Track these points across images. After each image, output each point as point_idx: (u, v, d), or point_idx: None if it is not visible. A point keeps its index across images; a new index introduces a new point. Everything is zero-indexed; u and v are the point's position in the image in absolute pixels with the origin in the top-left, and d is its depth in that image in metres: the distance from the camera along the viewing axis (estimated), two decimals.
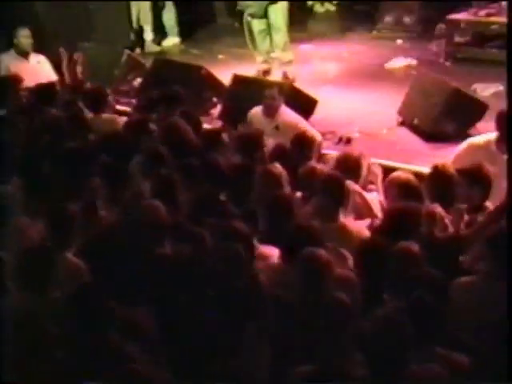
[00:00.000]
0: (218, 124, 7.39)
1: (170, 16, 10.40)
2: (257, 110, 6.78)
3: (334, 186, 4.96)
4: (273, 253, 4.53)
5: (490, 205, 5.01)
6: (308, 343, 3.66)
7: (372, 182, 5.70)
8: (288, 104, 6.91)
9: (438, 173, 5.21)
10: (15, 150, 5.86)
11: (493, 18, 8.87)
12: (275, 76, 8.51)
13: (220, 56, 9.67)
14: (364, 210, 5.24)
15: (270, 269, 4.33)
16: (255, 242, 4.52)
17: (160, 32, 10.44)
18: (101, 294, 3.76)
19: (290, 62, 8.70)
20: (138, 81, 8.49)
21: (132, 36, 10.20)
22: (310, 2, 11.64)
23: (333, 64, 9.16)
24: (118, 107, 7.73)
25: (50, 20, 9.32)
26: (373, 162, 6.06)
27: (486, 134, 5.97)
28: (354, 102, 7.96)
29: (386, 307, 3.71)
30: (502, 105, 6.89)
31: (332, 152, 6.54)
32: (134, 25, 10.22)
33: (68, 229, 4.61)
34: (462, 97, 7.13)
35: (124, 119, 6.84)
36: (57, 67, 8.53)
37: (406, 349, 3.32)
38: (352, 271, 4.26)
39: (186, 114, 6.46)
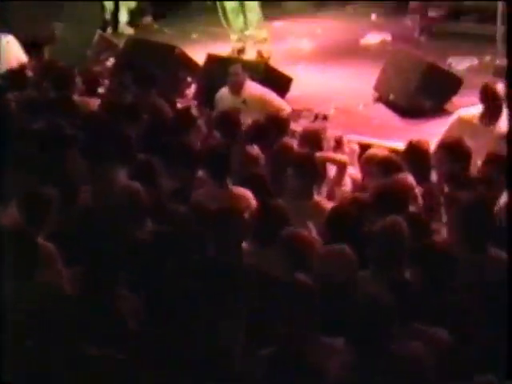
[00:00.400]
0: (193, 104, 7.33)
1: None
2: (223, 90, 6.82)
3: (307, 164, 4.97)
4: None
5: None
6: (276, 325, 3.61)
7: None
8: (263, 82, 6.91)
9: (413, 148, 5.29)
10: None
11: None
12: (250, 54, 8.46)
13: (194, 35, 9.57)
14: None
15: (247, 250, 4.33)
16: None
17: (134, 13, 10.28)
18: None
19: (264, 40, 8.62)
20: (110, 61, 8.39)
21: (107, 16, 10.04)
22: None
23: (307, 41, 9.11)
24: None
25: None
26: (349, 139, 6.07)
27: (471, 107, 5.99)
28: (329, 78, 7.93)
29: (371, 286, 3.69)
30: (477, 78, 6.93)
31: None
32: (109, 5, 10.06)
33: (44, 213, 4.55)
34: (437, 71, 7.14)
35: (95, 101, 6.75)
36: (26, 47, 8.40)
37: (389, 326, 3.29)
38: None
39: (160, 95, 6.41)
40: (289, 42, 9.09)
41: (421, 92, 7.04)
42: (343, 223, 4.22)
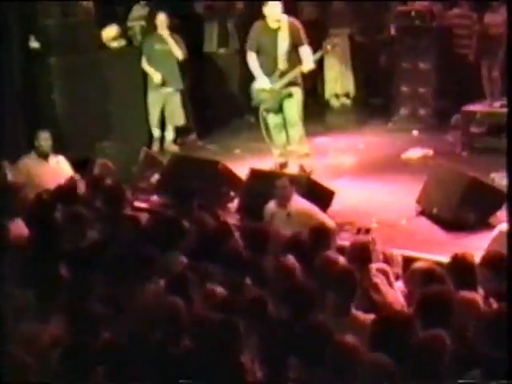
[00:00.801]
0: (236, 218, 7.37)
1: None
2: (272, 202, 6.87)
3: (348, 280, 4.93)
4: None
5: None
6: None
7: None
8: (305, 196, 6.92)
9: (459, 262, 5.21)
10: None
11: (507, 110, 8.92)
12: (292, 169, 8.54)
13: (237, 151, 9.74)
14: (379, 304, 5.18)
15: None
16: None
17: (179, 131, 10.53)
18: None
19: (306, 155, 8.71)
20: (155, 177, 8.53)
21: (156, 133, 10.27)
22: (325, 96, 11.80)
23: (349, 156, 9.20)
24: (137, 204, 7.76)
25: (69, 121, 9.48)
26: (393, 252, 6.01)
27: None
28: (371, 192, 7.94)
29: None
30: None
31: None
32: (156, 123, 10.30)
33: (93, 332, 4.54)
34: (480, 186, 7.11)
35: (143, 216, 6.82)
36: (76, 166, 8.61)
37: None
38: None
39: (203, 208, 6.46)
40: (331, 157, 9.19)
41: (464, 206, 6.99)
42: (387, 335, 4.13)
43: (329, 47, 8.75)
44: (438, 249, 6.47)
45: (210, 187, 7.59)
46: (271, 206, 6.87)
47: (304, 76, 8.71)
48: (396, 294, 5.31)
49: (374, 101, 11.37)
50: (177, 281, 5.09)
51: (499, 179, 7.75)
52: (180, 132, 10.51)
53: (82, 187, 7.49)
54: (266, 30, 8.53)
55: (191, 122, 10.63)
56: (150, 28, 10.41)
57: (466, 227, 6.85)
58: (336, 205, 7.33)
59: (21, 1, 9.29)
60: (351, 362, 3.96)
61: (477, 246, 6.18)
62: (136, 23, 10.69)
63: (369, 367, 3.85)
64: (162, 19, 10.17)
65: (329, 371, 4.02)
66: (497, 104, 9.20)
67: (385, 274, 5.45)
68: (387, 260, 5.77)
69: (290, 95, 8.56)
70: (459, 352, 4.00)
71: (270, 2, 8.47)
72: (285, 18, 8.53)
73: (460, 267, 5.15)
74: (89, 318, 4.67)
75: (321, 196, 7.20)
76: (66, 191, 7.21)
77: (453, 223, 6.97)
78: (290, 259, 5.26)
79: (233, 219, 7.15)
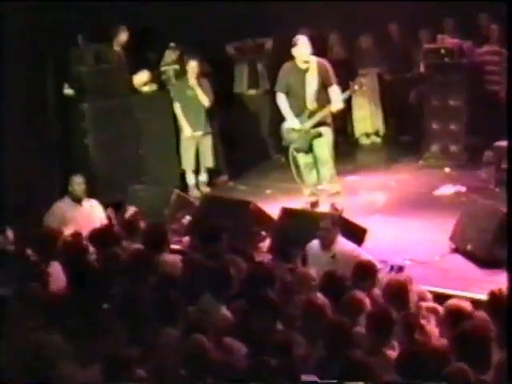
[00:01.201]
0: (268, 257, 7.35)
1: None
2: (314, 243, 6.79)
3: (381, 320, 4.89)
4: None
5: None
6: None
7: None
8: None
9: (496, 298, 5.13)
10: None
11: None
12: (323, 208, 8.53)
13: (268, 191, 9.76)
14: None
15: None
16: None
17: (211, 173, 10.57)
18: None
19: (337, 194, 8.70)
20: (187, 219, 8.57)
21: (192, 177, 10.29)
22: (355, 135, 11.82)
23: (380, 194, 9.17)
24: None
25: (101, 165, 9.59)
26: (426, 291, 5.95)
27: None
28: (403, 229, 7.90)
29: None
30: None
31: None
32: (191, 167, 10.34)
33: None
34: None
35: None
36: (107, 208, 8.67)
37: None
38: None
39: (234, 249, 6.45)
40: (362, 195, 9.17)
41: (499, 242, 6.92)
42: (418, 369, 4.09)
43: (356, 87, 8.78)
44: (473, 286, 6.40)
45: (242, 227, 7.60)
46: (314, 247, 6.78)
47: (334, 115, 8.75)
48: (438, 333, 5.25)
49: (404, 138, 11.35)
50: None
51: None
52: (211, 173, 10.57)
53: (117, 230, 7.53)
54: (295, 71, 8.59)
55: (222, 163, 10.69)
56: (182, 72, 10.53)
57: (500, 264, 6.77)
58: (368, 243, 7.29)
59: (55, 50, 9.47)
60: None
61: None
62: (169, 67, 10.81)
63: None
64: (192, 66, 10.21)
65: None
66: None
67: (434, 312, 5.38)
68: (423, 300, 5.70)
69: (319, 135, 8.59)
70: None
71: (299, 43, 8.54)
72: (314, 59, 8.60)
73: (499, 303, 5.09)
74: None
75: (354, 234, 7.16)
76: (100, 234, 7.24)
77: (487, 260, 6.90)
78: (320, 297, 5.23)
79: (265, 259, 7.15)
